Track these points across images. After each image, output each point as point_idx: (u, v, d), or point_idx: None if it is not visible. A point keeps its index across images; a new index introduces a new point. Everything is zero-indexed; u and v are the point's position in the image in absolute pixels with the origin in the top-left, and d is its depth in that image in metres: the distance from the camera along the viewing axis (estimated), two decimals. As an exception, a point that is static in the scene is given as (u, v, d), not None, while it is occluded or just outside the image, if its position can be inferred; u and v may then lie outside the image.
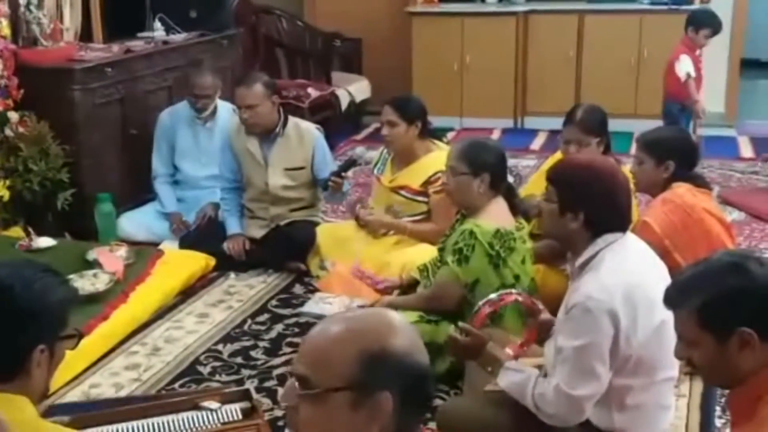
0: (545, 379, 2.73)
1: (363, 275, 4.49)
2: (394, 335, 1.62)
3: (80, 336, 2.11)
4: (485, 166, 3.56)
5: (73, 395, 3.72)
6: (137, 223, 5.47)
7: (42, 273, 2.03)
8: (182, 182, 5.65)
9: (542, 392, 2.69)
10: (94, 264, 4.61)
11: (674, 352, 2.11)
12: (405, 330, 1.65)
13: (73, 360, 3.74)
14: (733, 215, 5.68)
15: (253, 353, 4.09)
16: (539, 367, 2.86)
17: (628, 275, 2.67)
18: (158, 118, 5.60)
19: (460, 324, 2.92)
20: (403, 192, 4.65)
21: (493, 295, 3.04)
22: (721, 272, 1.99)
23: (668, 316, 2.14)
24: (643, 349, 2.67)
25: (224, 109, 5.58)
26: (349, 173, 5.04)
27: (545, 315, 3.04)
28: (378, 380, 1.57)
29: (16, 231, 5.11)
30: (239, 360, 4.03)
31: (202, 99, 5.44)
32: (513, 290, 3.15)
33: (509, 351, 2.95)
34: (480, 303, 3.00)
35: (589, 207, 2.72)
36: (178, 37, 6.24)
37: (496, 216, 3.57)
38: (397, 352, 1.60)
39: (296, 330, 4.31)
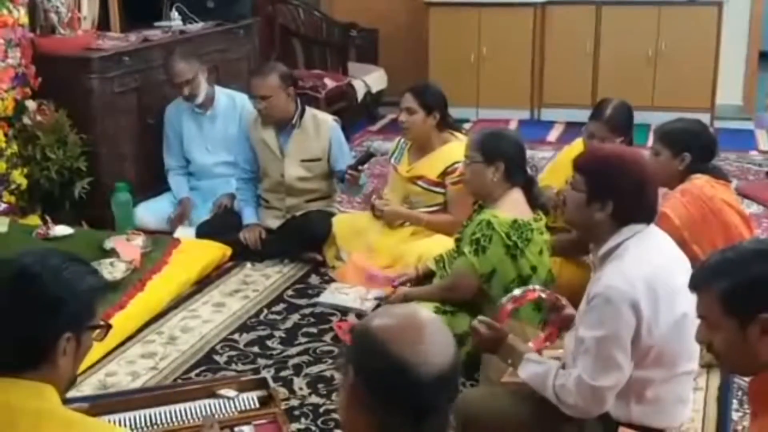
0: (566, 370, 2.72)
1: (378, 278, 4.46)
2: None
3: (108, 327, 2.11)
4: (499, 155, 3.55)
5: (90, 383, 3.73)
6: (154, 212, 5.47)
7: (70, 262, 2.04)
8: (195, 172, 5.66)
9: (563, 383, 2.68)
10: (111, 253, 4.62)
11: (695, 335, 2.10)
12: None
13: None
14: (751, 208, 5.65)
15: (269, 343, 4.10)
16: (558, 358, 2.86)
17: (651, 266, 2.66)
18: (165, 112, 5.60)
19: (480, 318, 2.91)
20: (420, 182, 4.64)
21: (516, 291, 3.02)
22: (749, 258, 1.99)
23: (690, 308, 2.13)
24: (664, 341, 2.66)
25: (223, 94, 5.58)
26: (366, 166, 5.03)
27: (569, 310, 3.02)
28: None
29: (33, 219, 5.14)
30: (255, 349, 4.04)
31: (184, 86, 5.36)
32: (536, 287, 3.13)
33: (531, 345, 2.94)
34: (503, 300, 2.98)
35: (619, 197, 2.70)
36: (195, 27, 6.24)
37: (513, 207, 3.56)
38: None
39: (312, 320, 4.32)
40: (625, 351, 2.62)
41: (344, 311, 4.32)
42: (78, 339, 2.00)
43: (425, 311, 1.76)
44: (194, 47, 5.87)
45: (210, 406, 2.99)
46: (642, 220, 2.75)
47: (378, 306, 4.01)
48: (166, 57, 5.51)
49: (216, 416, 2.91)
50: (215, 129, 5.54)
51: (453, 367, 1.67)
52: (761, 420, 1.98)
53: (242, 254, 5.03)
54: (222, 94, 5.58)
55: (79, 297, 1.99)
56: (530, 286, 3.12)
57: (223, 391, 3.05)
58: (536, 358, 2.80)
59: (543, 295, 3.04)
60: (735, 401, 3.51)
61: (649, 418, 2.75)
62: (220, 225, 5.19)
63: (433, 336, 1.67)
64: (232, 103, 5.54)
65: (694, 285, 2.07)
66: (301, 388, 3.67)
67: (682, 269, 2.72)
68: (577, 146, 4.40)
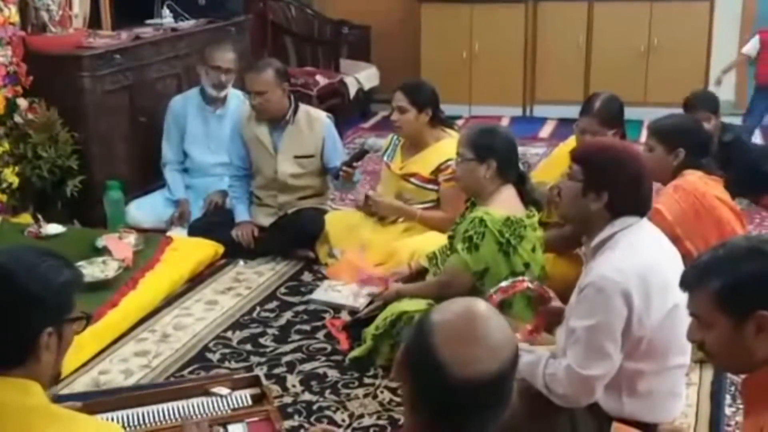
0: (556, 360, 2.73)
1: (372, 280, 4.45)
2: None
3: (88, 318, 2.11)
4: (492, 152, 3.54)
5: (83, 382, 3.73)
6: (146, 210, 5.46)
7: (45, 257, 2.03)
8: (191, 169, 5.65)
9: (553, 372, 2.69)
10: (104, 251, 4.62)
11: (687, 334, 2.09)
12: None
13: (82, 346, 3.76)
14: (743, 204, 5.65)
15: (262, 340, 4.09)
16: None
17: (643, 257, 2.67)
18: (169, 104, 5.59)
19: None
20: (413, 180, 4.64)
21: (504, 283, 3.03)
22: (742, 256, 1.98)
23: (681, 300, 2.13)
24: (655, 333, 2.67)
25: (234, 96, 5.57)
26: (360, 162, 5.02)
27: (556, 303, 3.04)
28: None
29: (25, 218, 5.13)
30: (248, 347, 4.03)
31: (224, 73, 5.40)
32: (525, 278, 3.14)
33: (519, 336, 2.95)
34: (492, 290, 2.99)
35: (615, 188, 2.72)
36: (187, 24, 6.23)
37: (505, 204, 3.55)
38: None
39: (305, 317, 4.31)
40: (614, 341, 2.63)
41: (337, 308, 4.31)
42: (59, 333, 1.99)
43: (487, 312, 1.74)
44: (186, 45, 5.86)
45: (203, 404, 2.99)
46: (635, 213, 2.77)
47: (370, 303, 4.01)
48: (209, 42, 5.64)
49: (208, 414, 2.91)
50: (222, 129, 5.51)
51: (494, 376, 1.67)
52: (754, 417, 1.98)
53: (235, 252, 5.02)
54: (234, 95, 5.57)
55: (57, 291, 1.99)
56: (519, 277, 3.12)
57: (216, 389, 3.05)
58: (527, 347, 2.81)
59: (531, 286, 3.05)
60: (728, 396, 3.52)
61: (641, 413, 2.76)
62: (213, 222, 5.18)
63: (479, 340, 1.68)
64: (242, 105, 5.52)
65: (687, 284, 2.05)
66: (294, 386, 3.67)
67: (674, 262, 2.74)
68: (571, 143, 4.40)
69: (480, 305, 1.77)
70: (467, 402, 1.68)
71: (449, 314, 1.73)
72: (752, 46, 6.86)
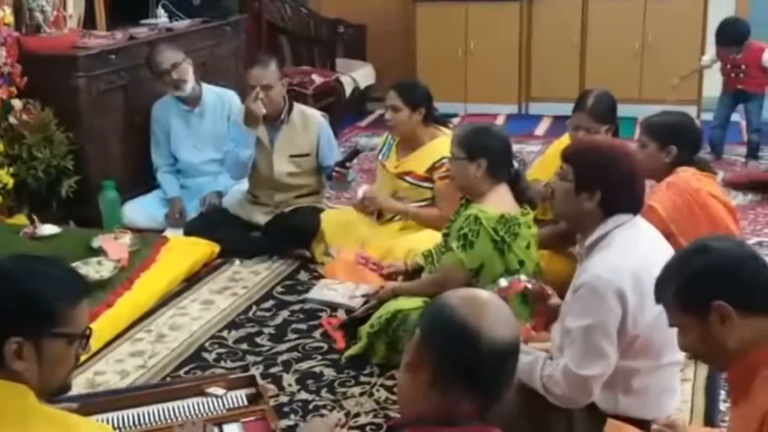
0: (553, 360, 2.74)
1: (368, 261, 4.47)
2: None
3: (85, 336, 2.04)
4: (482, 151, 3.55)
5: (78, 382, 3.71)
6: (142, 210, 5.46)
7: (25, 263, 1.98)
8: (183, 171, 5.66)
9: (550, 374, 2.70)
10: (99, 251, 4.61)
11: (677, 345, 2.15)
12: None
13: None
14: (737, 199, 5.67)
15: (258, 340, 4.10)
16: (547, 351, 2.86)
17: (638, 256, 2.67)
18: (151, 111, 5.58)
19: None
20: (408, 178, 4.64)
21: (503, 283, 3.03)
22: (686, 257, 2.09)
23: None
24: (650, 331, 2.67)
25: (209, 91, 5.57)
26: (354, 162, 5.02)
27: (555, 300, 3.04)
28: None
29: (20, 218, 5.12)
30: (244, 346, 4.03)
31: (172, 72, 5.33)
32: (522, 277, 3.14)
33: None
34: (492, 291, 2.99)
35: (607, 187, 2.72)
36: (182, 24, 6.23)
37: (499, 202, 3.56)
38: None
39: (301, 316, 4.32)
40: (611, 340, 2.64)
41: (333, 307, 4.31)
42: (37, 345, 1.93)
43: (485, 293, 1.89)
44: (181, 44, 5.86)
45: (198, 404, 3.00)
46: (629, 211, 2.77)
47: (366, 302, 4.01)
48: (148, 52, 5.49)
49: (204, 415, 2.92)
50: (203, 126, 5.53)
51: (512, 346, 1.79)
52: (742, 408, 2.01)
53: (230, 251, 5.02)
54: (209, 91, 5.57)
55: (31, 301, 1.92)
56: (516, 277, 3.13)
57: (211, 390, 3.05)
58: (524, 348, 2.81)
59: (529, 286, 3.05)
60: (723, 392, 3.52)
61: (636, 410, 2.77)
62: (209, 222, 5.18)
63: (495, 311, 1.80)
64: (219, 101, 5.54)
65: (657, 299, 2.15)
66: (290, 385, 3.67)
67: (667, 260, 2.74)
68: (565, 140, 4.40)
69: (476, 290, 1.94)
70: (499, 365, 1.77)
71: (459, 297, 1.83)
72: (710, 58, 6.95)
